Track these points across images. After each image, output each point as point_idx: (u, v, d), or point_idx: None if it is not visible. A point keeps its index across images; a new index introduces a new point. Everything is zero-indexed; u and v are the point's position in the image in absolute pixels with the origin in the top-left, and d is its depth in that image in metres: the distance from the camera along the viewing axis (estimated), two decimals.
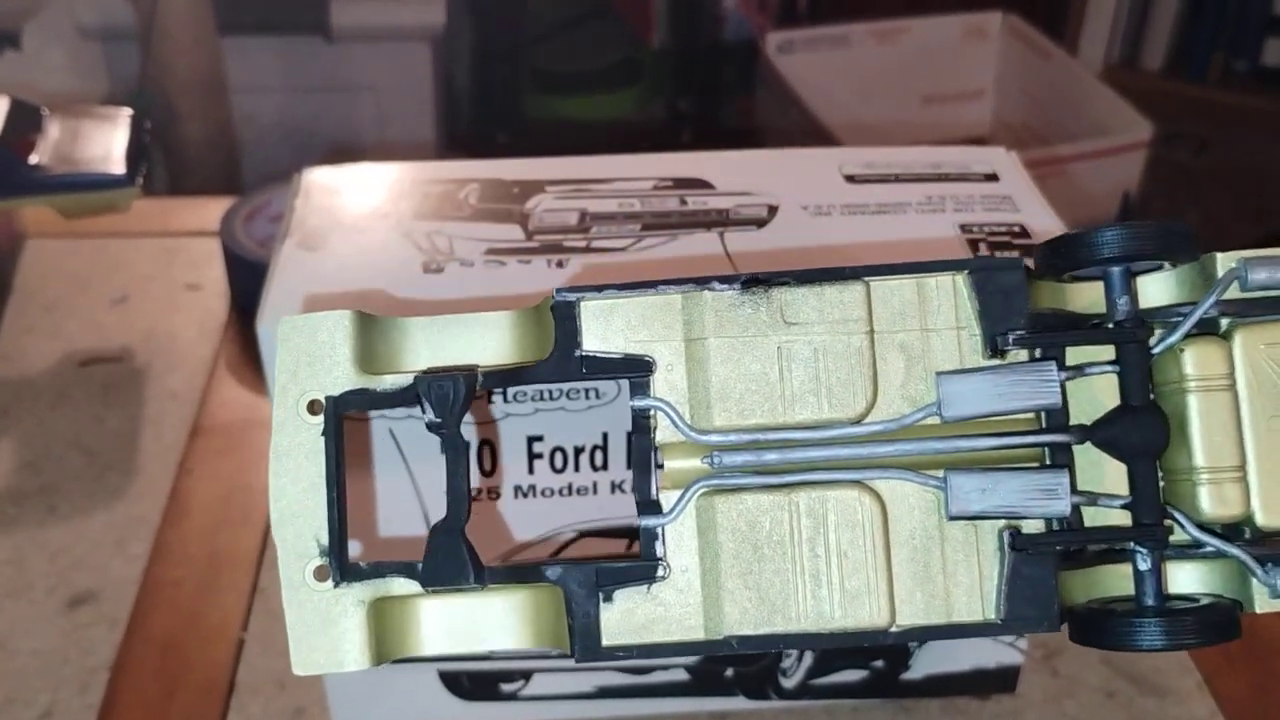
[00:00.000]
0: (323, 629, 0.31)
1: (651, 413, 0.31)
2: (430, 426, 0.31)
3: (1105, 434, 0.31)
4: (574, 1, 2.16)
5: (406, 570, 0.31)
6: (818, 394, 0.31)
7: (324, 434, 0.31)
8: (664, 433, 0.31)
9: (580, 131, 2.04)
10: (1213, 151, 2.24)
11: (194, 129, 1.37)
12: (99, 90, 1.57)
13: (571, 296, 0.31)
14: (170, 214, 0.84)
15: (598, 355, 0.31)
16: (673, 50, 2.13)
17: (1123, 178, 1.67)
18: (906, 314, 0.31)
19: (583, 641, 0.31)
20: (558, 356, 0.31)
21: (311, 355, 0.31)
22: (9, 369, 0.69)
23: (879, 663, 0.50)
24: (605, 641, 0.31)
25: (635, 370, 0.31)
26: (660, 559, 0.31)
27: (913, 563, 0.31)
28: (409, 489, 0.44)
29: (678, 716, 0.51)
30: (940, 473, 0.30)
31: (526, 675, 0.49)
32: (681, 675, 0.49)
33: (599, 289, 0.31)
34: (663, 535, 0.31)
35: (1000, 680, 0.51)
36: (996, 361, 0.31)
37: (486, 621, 0.32)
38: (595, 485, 0.44)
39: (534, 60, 2.08)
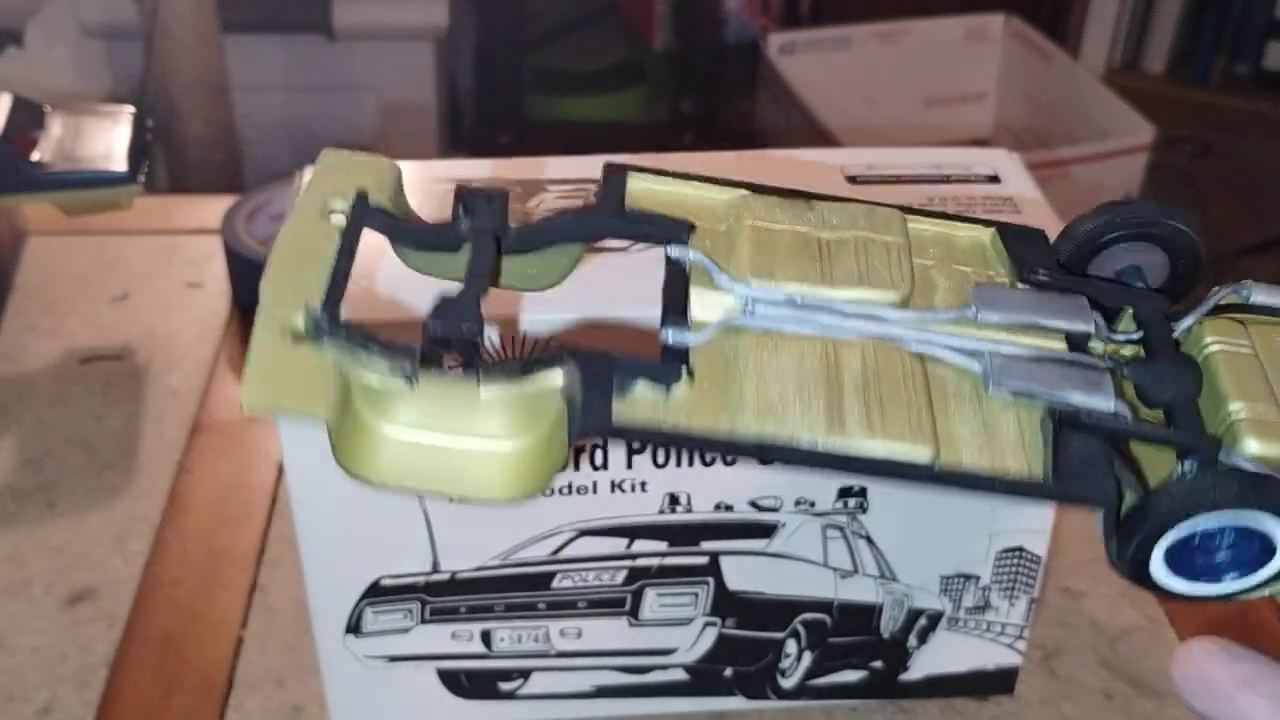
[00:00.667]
0: (287, 373, 0.28)
1: (688, 267, 0.31)
2: (465, 232, 0.31)
3: (1142, 373, 0.30)
4: (577, 3, 2.16)
5: (404, 353, 0.29)
6: (858, 277, 0.30)
7: (341, 232, 0.30)
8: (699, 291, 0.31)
9: (582, 132, 2.04)
10: (1214, 155, 2.24)
11: (196, 128, 1.37)
12: (102, 89, 1.58)
13: (623, 163, 0.31)
14: (172, 212, 0.84)
15: (640, 211, 0.31)
16: (675, 52, 2.13)
17: (1124, 180, 1.67)
18: (938, 252, 0.31)
19: (588, 416, 0.28)
20: (600, 209, 0.31)
21: (345, 181, 0.31)
22: (9, 366, 0.69)
23: (877, 663, 0.50)
24: (615, 421, 0.28)
25: (675, 229, 0.31)
26: (684, 364, 0.29)
27: (959, 416, 0.29)
28: (414, 501, 0.44)
29: (676, 716, 0.51)
30: (983, 354, 0.30)
31: (525, 674, 0.49)
32: (680, 675, 0.49)
33: (650, 170, 0.32)
34: (688, 356, 0.29)
35: (998, 681, 0.51)
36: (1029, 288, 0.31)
37: (472, 421, 0.28)
38: (595, 484, 0.44)
39: (537, 61, 2.08)
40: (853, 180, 0.47)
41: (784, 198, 0.32)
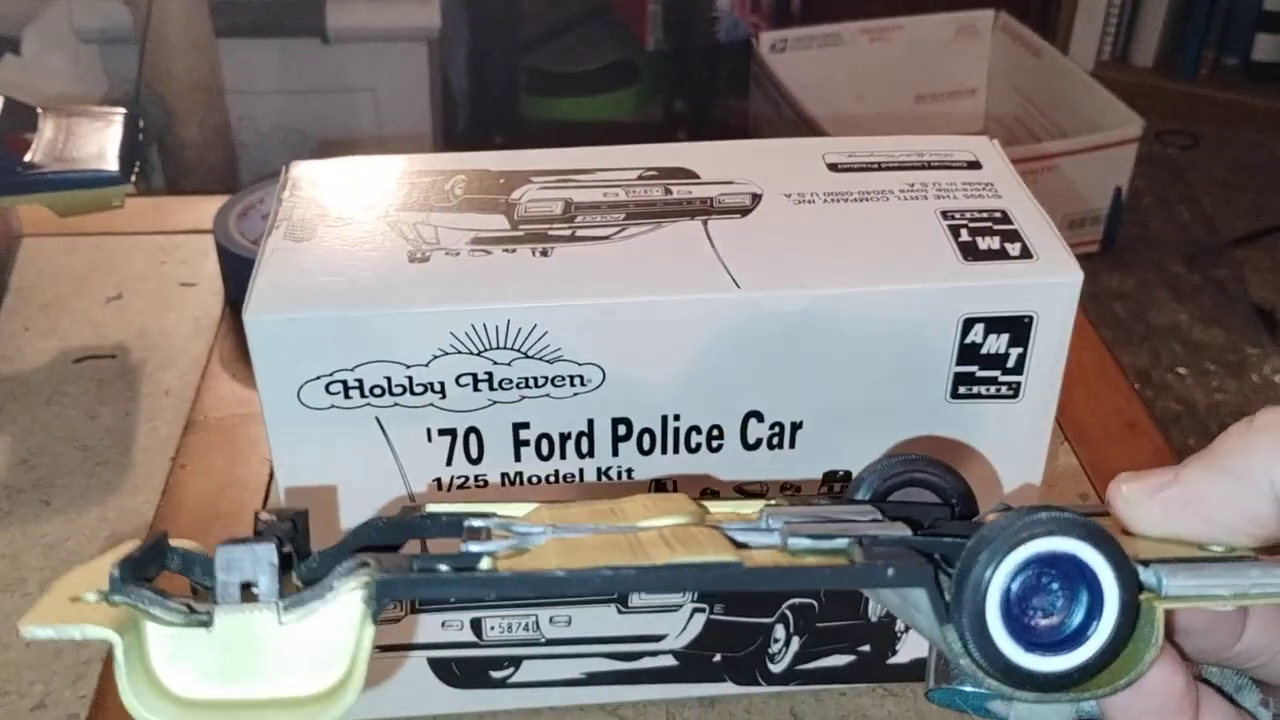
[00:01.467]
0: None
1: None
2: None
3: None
4: (570, 4, 2.17)
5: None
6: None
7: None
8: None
9: (577, 132, 2.04)
10: (1204, 147, 2.25)
11: (191, 131, 1.38)
12: (98, 93, 1.58)
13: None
14: (165, 212, 0.85)
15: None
16: (668, 51, 2.14)
17: (1114, 173, 1.68)
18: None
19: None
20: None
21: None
22: (5, 366, 0.70)
23: (865, 647, 0.50)
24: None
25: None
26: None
27: (760, 553, 0.29)
28: (402, 491, 0.44)
29: (666, 703, 0.51)
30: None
31: (516, 662, 0.49)
32: (669, 661, 0.50)
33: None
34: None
35: None
36: None
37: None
38: (581, 472, 0.45)
39: (530, 62, 2.09)
40: (834, 168, 0.47)
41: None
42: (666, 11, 2.11)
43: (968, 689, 0.30)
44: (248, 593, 0.27)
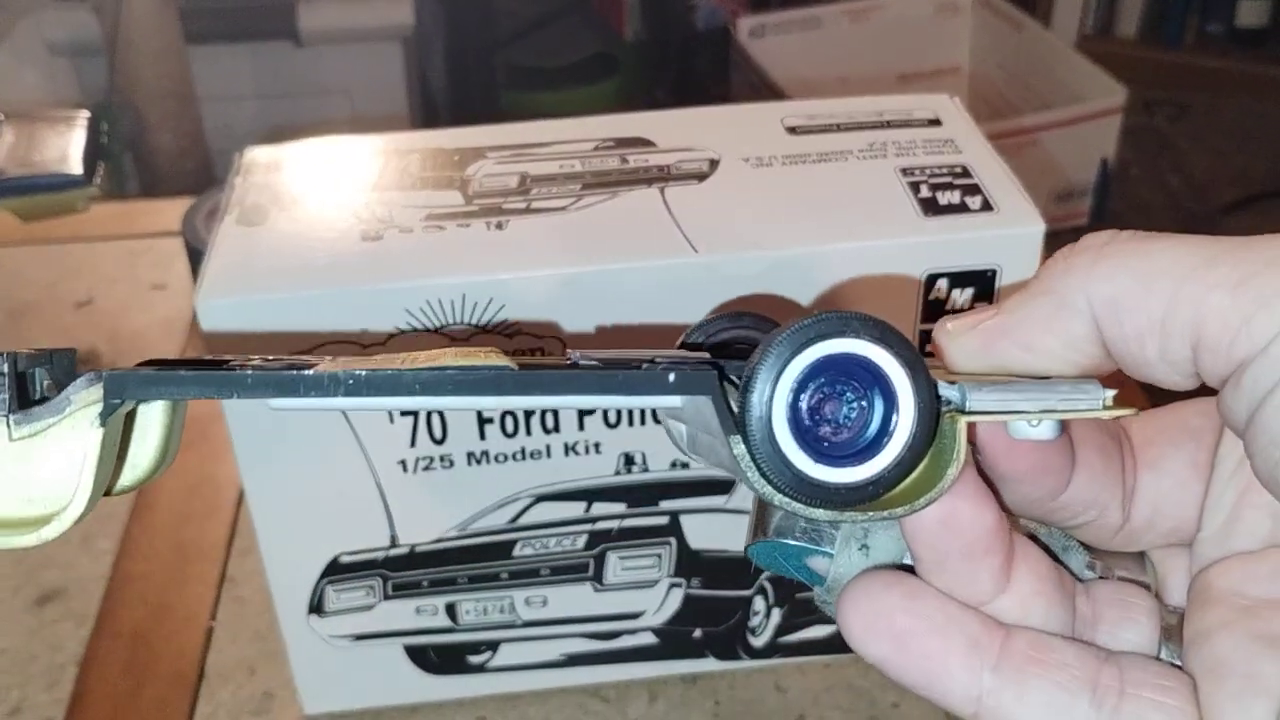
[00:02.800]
0: None
1: None
2: None
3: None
4: None
5: None
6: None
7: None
8: None
9: None
10: (1191, 115, 2.24)
11: (165, 139, 1.37)
12: (71, 105, 1.57)
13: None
14: (134, 217, 0.84)
15: None
16: (646, 41, 2.13)
17: (1099, 144, 1.67)
18: None
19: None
20: None
21: None
22: None
23: None
24: None
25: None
26: None
27: None
28: (367, 475, 0.44)
29: (649, 682, 0.50)
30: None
31: (494, 645, 0.49)
32: (649, 639, 0.49)
33: None
34: None
35: None
36: None
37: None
38: (549, 448, 0.44)
39: (508, 57, 2.08)
40: (793, 130, 0.46)
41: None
42: (643, 2, 2.10)
43: (789, 542, 0.29)
44: None
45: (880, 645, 0.27)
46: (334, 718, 0.50)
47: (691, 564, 0.47)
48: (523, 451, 0.44)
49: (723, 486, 0.46)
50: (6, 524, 0.25)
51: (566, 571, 0.47)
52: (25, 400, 0.25)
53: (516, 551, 0.46)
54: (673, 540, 0.47)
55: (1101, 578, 0.29)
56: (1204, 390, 0.26)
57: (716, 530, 0.46)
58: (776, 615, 0.49)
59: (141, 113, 1.34)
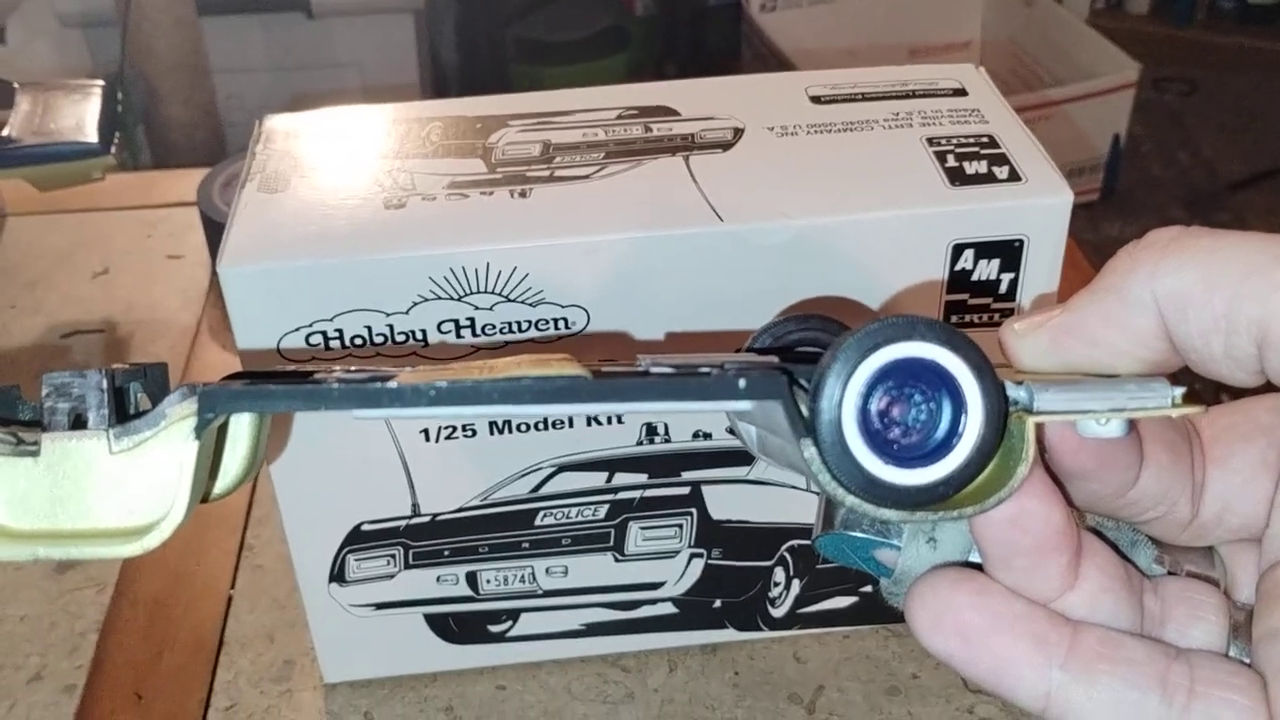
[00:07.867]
0: None
1: None
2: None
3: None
4: None
5: None
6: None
7: None
8: None
9: None
10: (1202, 92, 2.23)
11: (177, 110, 1.37)
12: (83, 77, 1.57)
13: None
14: (150, 186, 0.84)
15: None
16: (657, 15, 2.12)
17: (1112, 119, 1.66)
18: None
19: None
20: None
21: None
22: None
23: (867, 588, 0.49)
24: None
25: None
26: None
27: None
28: (389, 444, 0.44)
29: (668, 651, 0.51)
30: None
31: (514, 615, 0.49)
32: (669, 609, 0.49)
33: None
34: None
35: None
36: None
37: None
38: (571, 419, 0.44)
39: (519, 32, 2.07)
40: (817, 100, 0.46)
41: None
42: None
43: (856, 534, 0.29)
44: (81, 426, 0.26)
45: (948, 641, 0.27)
46: (354, 686, 0.50)
47: (712, 534, 0.47)
48: (545, 421, 0.44)
49: (745, 458, 0.46)
50: (110, 534, 0.25)
51: (587, 541, 0.47)
52: (123, 414, 0.26)
53: (538, 521, 0.46)
54: (694, 511, 0.47)
55: (1170, 573, 0.29)
56: (1272, 388, 0.26)
57: (738, 501, 0.46)
58: (796, 586, 0.49)
59: (154, 84, 1.34)
